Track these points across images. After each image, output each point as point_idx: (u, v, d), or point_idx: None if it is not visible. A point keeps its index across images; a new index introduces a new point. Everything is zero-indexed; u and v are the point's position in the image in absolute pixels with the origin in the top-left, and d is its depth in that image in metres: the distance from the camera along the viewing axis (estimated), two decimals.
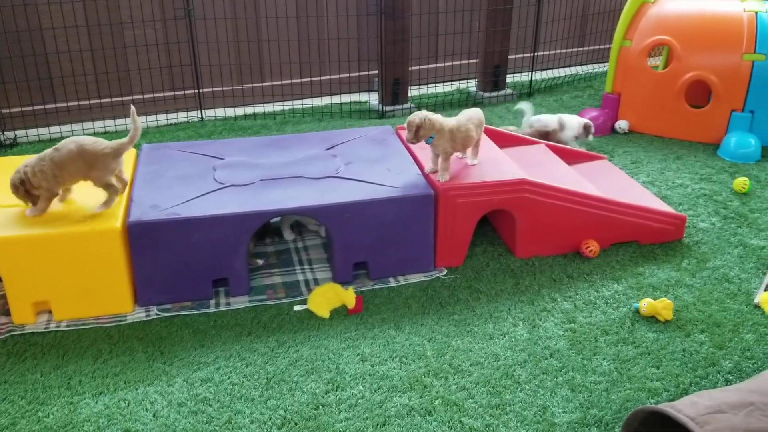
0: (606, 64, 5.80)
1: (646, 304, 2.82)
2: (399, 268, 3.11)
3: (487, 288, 3.05)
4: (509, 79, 5.79)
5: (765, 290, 3.01)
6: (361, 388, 2.44)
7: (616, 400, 2.37)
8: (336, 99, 5.48)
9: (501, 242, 3.40)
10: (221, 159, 3.39)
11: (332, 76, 5.50)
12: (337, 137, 3.66)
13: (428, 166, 3.20)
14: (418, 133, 3.01)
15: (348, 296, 2.87)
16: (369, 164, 3.31)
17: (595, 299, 2.96)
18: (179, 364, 2.59)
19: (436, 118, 3.03)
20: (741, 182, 3.92)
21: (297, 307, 2.90)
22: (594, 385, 2.44)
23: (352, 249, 2.99)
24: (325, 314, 2.85)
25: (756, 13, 4.45)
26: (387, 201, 2.98)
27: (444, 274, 3.15)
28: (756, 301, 2.94)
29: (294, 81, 5.46)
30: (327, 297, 2.90)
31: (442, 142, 3.07)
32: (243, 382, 2.49)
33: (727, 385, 2.44)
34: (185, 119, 5.19)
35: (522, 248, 3.26)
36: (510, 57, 5.70)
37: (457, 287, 3.05)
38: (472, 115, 3.20)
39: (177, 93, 5.23)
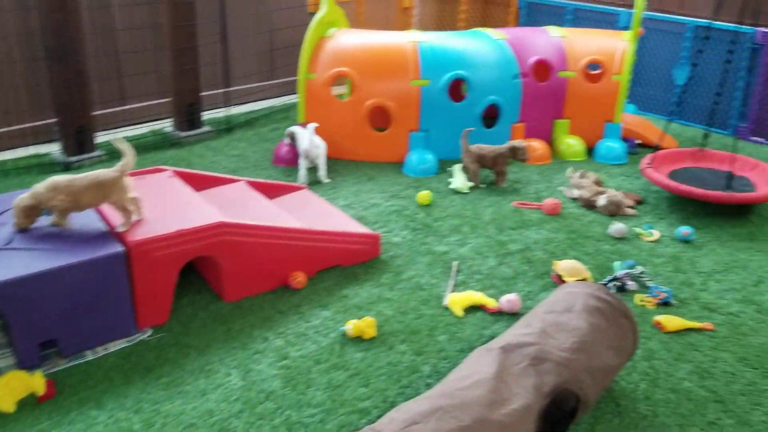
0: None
1: (351, 326, 2.97)
2: (96, 338, 2.85)
3: (196, 341, 2.94)
4: (205, 116, 5.72)
5: (452, 291, 3.38)
6: None
7: (331, 429, 2.45)
8: (9, 154, 4.88)
9: (208, 289, 3.32)
10: None
11: (0, 129, 4.89)
12: (5, 202, 3.24)
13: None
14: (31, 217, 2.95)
15: (35, 383, 2.54)
16: (47, 229, 2.98)
17: (306, 330, 3.04)
18: None
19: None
20: (423, 195, 4.36)
21: None
22: (309, 419, 2.49)
23: (36, 328, 2.66)
24: (9, 408, 2.49)
25: (418, 43, 5.01)
26: (71, 268, 2.70)
27: (149, 335, 2.97)
28: (445, 303, 3.28)
29: None
30: (10, 388, 2.54)
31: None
32: None
33: (428, 388, 2.67)
34: None
35: (230, 292, 3.22)
36: (203, 94, 5.64)
37: (164, 346, 2.90)
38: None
39: None
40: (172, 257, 2.98)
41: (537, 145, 5.14)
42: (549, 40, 5.35)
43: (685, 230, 3.95)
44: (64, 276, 2.69)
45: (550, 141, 5.32)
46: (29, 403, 2.54)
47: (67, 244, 2.84)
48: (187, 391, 2.63)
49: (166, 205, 3.29)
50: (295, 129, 4.88)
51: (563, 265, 3.51)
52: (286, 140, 4.97)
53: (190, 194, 3.45)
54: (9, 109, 4.84)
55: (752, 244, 3.95)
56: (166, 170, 3.73)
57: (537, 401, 2.24)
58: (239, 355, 2.85)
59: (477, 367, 2.33)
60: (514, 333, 2.53)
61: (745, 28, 4.88)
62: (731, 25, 4.68)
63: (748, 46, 5.44)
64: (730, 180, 4.12)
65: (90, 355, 2.81)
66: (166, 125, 5.61)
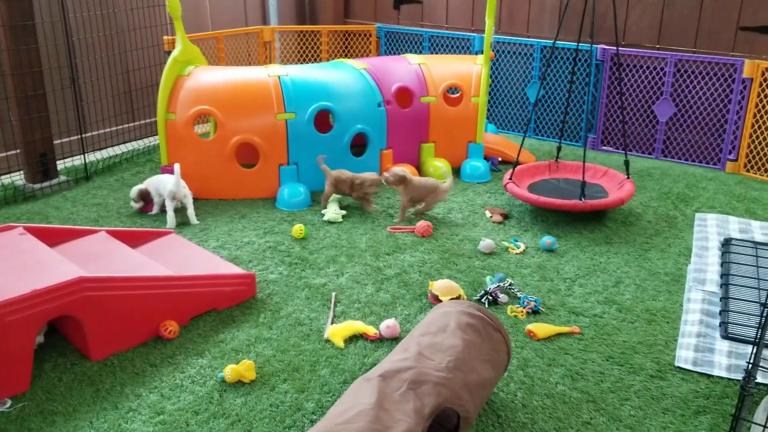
0: None
1: (229, 371, 2.88)
2: None
3: (62, 407, 2.74)
4: (60, 165, 5.40)
5: (331, 323, 3.37)
6: None
7: None
8: None
9: (73, 348, 3.11)
10: None
11: None
12: None
13: None
14: None
15: None
16: None
17: (182, 381, 2.91)
18: None
19: None
20: (298, 229, 4.34)
21: None
22: None
23: None
24: None
25: (279, 77, 5.02)
26: None
27: (8, 405, 2.73)
28: (325, 336, 3.26)
29: None
30: None
31: None
32: None
33: (312, 425, 2.64)
34: None
35: (96, 350, 3.03)
36: (56, 142, 5.33)
37: (27, 417, 2.68)
38: None
39: None
40: (28, 320, 2.77)
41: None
42: (408, 67, 5.54)
43: (548, 240, 4.18)
44: None
45: (417, 164, 5.47)
46: None
47: None
48: None
49: (18, 265, 3.07)
50: (146, 184, 4.71)
51: (438, 285, 3.60)
52: (134, 203, 4.73)
53: (44, 251, 3.24)
54: None
55: (609, 248, 4.24)
56: (16, 227, 3.48)
57: (419, 424, 2.26)
58: (110, 416, 2.68)
59: (357, 399, 2.32)
60: (392, 359, 2.55)
61: (585, 45, 5.29)
62: (573, 44, 5.06)
63: (591, 63, 5.89)
64: (583, 188, 4.42)
65: None
66: (17, 178, 5.25)
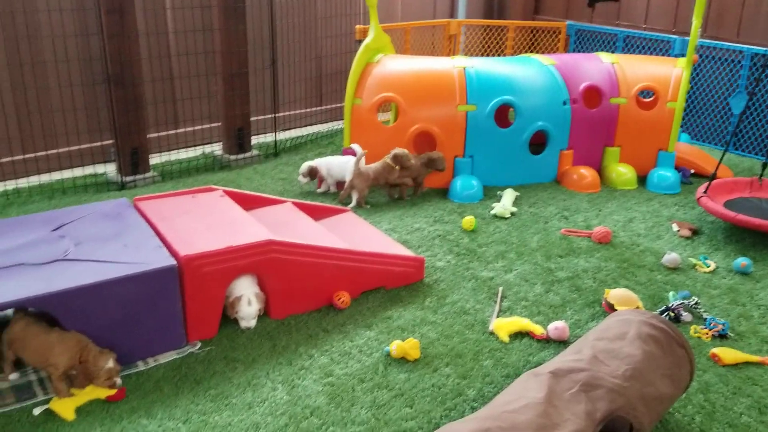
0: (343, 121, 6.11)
1: (395, 347, 2.95)
2: (147, 349, 2.90)
3: (243, 356, 2.96)
4: (254, 140, 5.83)
5: (497, 317, 3.33)
6: None
7: None
8: (68, 173, 5.04)
9: None
10: None
11: (61, 150, 5.07)
12: (65, 216, 3.34)
13: None
14: None
15: (97, 389, 2.64)
16: (102, 242, 3.07)
17: (350, 349, 3.03)
18: None
19: None
20: (468, 221, 4.34)
21: (37, 410, 2.55)
22: None
23: (90, 337, 2.71)
24: (70, 416, 2.54)
25: (464, 68, 5.03)
26: (125, 280, 2.76)
27: (198, 348, 3.00)
28: (490, 328, 3.23)
29: (16, 158, 4.93)
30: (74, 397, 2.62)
31: None
32: None
33: (473, 411, 2.63)
34: None
35: (276, 309, 3.24)
36: (252, 119, 5.76)
37: (213, 359, 2.92)
38: None
39: None
40: (222, 273, 3.02)
41: (586, 173, 5.08)
42: (600, 66, 5.31)
43: (743, 261, 3.83)
44: (120, 287, 2.75)
45: (599, 168, 5.24)
46: (82, 411, 2.58)
47: (122, 257, 2.91)
48: (234, 404, 2.64)
49: (217, 222, 3.35)
50: (317, 162, 4.93)
51: (615, 294, 3.42)
52: (302, 178, 4.95)
53: (239, 213, 3.51)
54: (69, 131, 5.02)
55: None
56: (216, 189, 3.80)
57: (588, 428, 2.17)
58: (285, 371, 2.86)
59: (525, 392, 2.27)
60: (564, 359, 2.47)
61: None
62: None
63: None
64: None
65: (141, 366, 2.86)
66: (216, 149, 5.74)
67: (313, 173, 4.95)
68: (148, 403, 2.63)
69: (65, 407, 2.57)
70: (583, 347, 2.53)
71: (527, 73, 5.16)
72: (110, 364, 2.61)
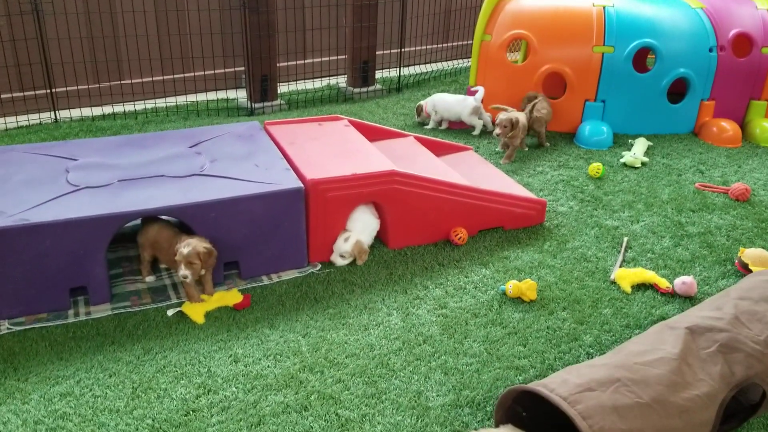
0: (469, 59, 5.99)
1: (512, 286, 2.93)
2: (271, 265, 3.04)
3: (361, 280, 3.04)
4: (378, 74, 5.84)
5: (620, 267, 3.22)
6: (234, 389, 2.36)
7: (486, 380, 2.44)
8: (202, 97, 5.29)
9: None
10: (74, 160, 3.16)
11: (196, 73, 5.31)
12: (202, 134, 3.52)
13: None
14: None
15: (228, 297, 2.85)
16: (236, 161, 3.21)
17: (465, 284, 3.04)
18: (35, 379, 2.39)
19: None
20: (595, 167, 4.17)
21: (170, 312, 2.76)
22: (465, 367, 2.50)
23: (222, 249, 2.87)
24: (200, 320, 2.73)
25: (604, 7, 4.75)
26: (255, 197, 2.89)
27: (318, 269, 3.11)
28: (612, 277, 3.13)
29: (155, 78, 5.21)
30: (204, 304, 2.82)
31: None
32: (106, 393, 2.33)
33: (588, 358, 2.58)
34: (37, 121, 4.81)
35: (394, 239, 3.29)
36: (378, 53, 5.75)
37: (332, 281, 3.03)
38: None
39: (27, 93, 4.84)
40: (345, 199, 3.09)
41: (727, 126, 4.72)
42: (754, 12, 4.85)
43: None
44: (250, 204, 2.88)
45: (742, 123, 4.86)
46: (210, 316, 2.77)
47: (253, 176, 3.04)
48: (350, 324, 2.73)
49: (342, 150, 3.41)
50: (426, 101, 4.93)
51: (750, 253, 3.21)
52: (417, 117, 5.00)
53: (363, 143, 3.55)
54: (204, 54, 5.23)
55: None
56: (342, 119, 3.86)
57: (722, 390, 2.07)
58: (400, 299, 2.91)
59: (659, 344, 2.19)
60: (702, 315, 2.35)
61: None
62: None
63: None
64: None
65: (265, 280, 3.01)
66: (341, 81, 5.80)
67: (419, 110, 4.95)
68: (271, 315, 2.78)
69: (196, 311, 2.76)
70: (724, 305, 2.39)
71: (673, 15, 4.80)
72: (183, 250, 2.68)
